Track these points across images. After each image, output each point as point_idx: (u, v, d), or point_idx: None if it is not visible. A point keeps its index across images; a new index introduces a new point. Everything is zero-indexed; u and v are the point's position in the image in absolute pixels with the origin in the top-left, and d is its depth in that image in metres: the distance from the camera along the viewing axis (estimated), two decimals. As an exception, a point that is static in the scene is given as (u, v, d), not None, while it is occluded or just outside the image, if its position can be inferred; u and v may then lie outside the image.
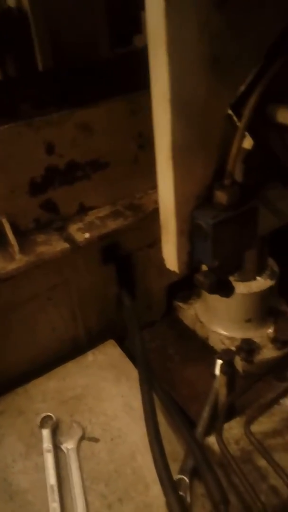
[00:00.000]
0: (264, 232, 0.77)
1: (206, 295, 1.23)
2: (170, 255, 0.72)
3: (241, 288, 1.13)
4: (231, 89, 0.60)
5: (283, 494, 0.76)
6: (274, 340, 1.13)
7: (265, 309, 1.16)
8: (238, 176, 0.68)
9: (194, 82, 0.56)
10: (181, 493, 0.80)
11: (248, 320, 1.16)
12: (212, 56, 0.56)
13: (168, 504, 0.71)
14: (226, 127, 0.64)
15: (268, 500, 0.77)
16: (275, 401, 0.89)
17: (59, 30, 1.29)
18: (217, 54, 0.56)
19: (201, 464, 0.77)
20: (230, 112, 0.63)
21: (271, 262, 1.18)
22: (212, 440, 0.89)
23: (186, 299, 1.33)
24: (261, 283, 1.13)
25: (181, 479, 0.82)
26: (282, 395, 0.91)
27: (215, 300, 1.19)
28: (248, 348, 1.11)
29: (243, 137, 0.63)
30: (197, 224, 0.66)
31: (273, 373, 1.05)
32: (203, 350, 1.23)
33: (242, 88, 0.61)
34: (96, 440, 0.95)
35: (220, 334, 1.19)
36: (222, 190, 0.65)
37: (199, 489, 0.81)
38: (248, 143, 0.68)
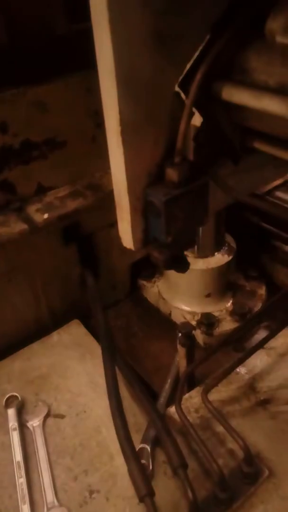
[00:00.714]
0: (217, 209, 0.79)
1: (168, 272, 1.26)
2: (126, 233, 0.74)
3: (200, 264, 1.16)
4: (177, 66, 0.61)
5: (239, 456, 0.80)
6: (233, 313, 1.18)
7: (224, 284, 1.20)
8: (189, 153, 0.70)
9: (139, 59, 0.57)
10: (143, 461, 0.83)
11: (208, 295, 1.19)
12: (156, 33, 0.56)
13: (130, 471, 0.74)
14: (175, 104, 0.65)
15: (225, 462, 0.82)
16: (232, 370, 0.93)
17: (12, 5, 1.24)
18: (161, 31, 0.56)
19: (161, 432, 0.81)
20: (177, 89, 0.64)
21: (228, 238, 1.22)
22: (173, 410, 0.92)
23: (149, 278, 1.35)
24: (219, 259, 1.17)
25: (143, 448, 0.85)
26: (238, 364, 0.95)
27: (176, 277, 1.21)
28: (208, 321, 1.15)
29: (191, 114, 0.64)
30: (150, 201, 0.68)
31: (231, 344, 1.09)
32: (166, 326, 1.26)
33: (189, 65, 0.62)
34: (61, 416, 0.97)
35: (182, 310, 1.22)
36: (172, 167, 0.66)
37: (161, 456, 0.85)
38: (197, 120, 0.69)
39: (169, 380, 1.03)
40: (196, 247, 1.17)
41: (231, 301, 1.21)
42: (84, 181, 1.16)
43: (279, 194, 1.24)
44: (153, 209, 0.68)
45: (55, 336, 1.17)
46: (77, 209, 1.07)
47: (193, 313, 1.20)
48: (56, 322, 1.19)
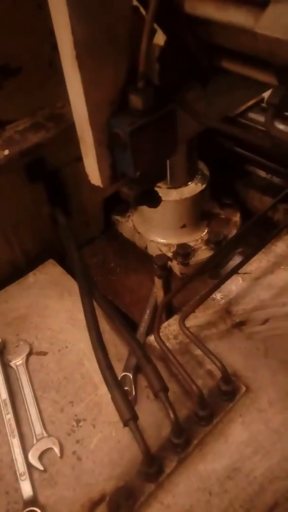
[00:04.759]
0: (186, 137, 0.75)
1: (142, 207, 1.23)
2: (92, 169, 0.69)
3: (173, 195, 1.13)
4: None
5: (217, 376, 0.83)
6: (208, 242, 1.18)
7: (199, 213, 1.19)
8: (154, 76, 0.64)
9: None
10: (126, 388, 0.86)
11: (183, 226, 1.18)
12: None
13: (113, 398, 0.76)
14: (134, 21, 0.59)
15: (205, 383, 0.85)
16: (207, 296, 0.95)
17: None
18: None
19: (141, 360, 0.83)
20: (136, 3, 0.58)
21: (201, 166, 1.19)
22: (152, 338, 0.94)
23: (123, 213, 1.33)
24: (193, 188, 1.14)
25: (125, 376, 0.88)
26: (213, 290, 0.96)
27: (150, 210, 1.18)
28: (183, 252, 1.15)
29: (152, 31, 0.58)
30: (115, 132, 0.63)
31: (207, 273, 1.10)
32: (143, 260, 1.26)
33: None
34: (44, 353, 0.98)
35: (158, 242, 1.21)
36: (136, 93, 0.61)
37: (143, 382, 0.88)
38: (160, 38, 0.63)
39: (147, 311, 1.04)
40: (168, 177, 1.14)
41: (206, 230, 1.21)
42: (45, 112, 1.08)
43: (252, 115, 1.19)
44: (118, 142, 0.64)
45: (31, 277, 1.15)
46: (40, 143, 1.01)
47: (169, 245, 1.19)
48: (30, 263, 1.17)
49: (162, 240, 1.21)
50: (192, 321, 0.95)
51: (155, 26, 0.59)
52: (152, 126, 0.63)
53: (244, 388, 0.83)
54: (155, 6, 0.54)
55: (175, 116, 0.67)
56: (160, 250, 1.20)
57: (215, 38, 0.61)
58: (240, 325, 0.95)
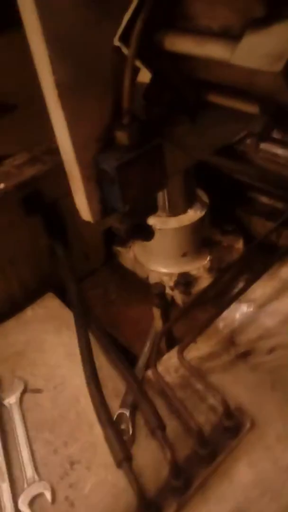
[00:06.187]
0: (178, 170, 0.75)
1: (141, 235, 1.21)
2: (82, 204, 0.70)
3: (172, 223, 1.11)
4: (113, 18, 0.55)
5: (219, 410, 0.77)
6: (210, 270, 1.14)
7: (199, 241, 1.16)
8: (140, 113, 0.64)
9: (68, 14, 0.51)
10: (123, 426, 0.81)
11: (184, 254, 1.15)
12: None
13: (106, 438, 0.71)
14: (117, 60, 0.59)
15: (207, 418, 0.80)
16: (207, 325, 0.90)
17: None
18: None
19: (137, 395, 0.78)
20: (117, 43, 0.58)
21: (200, 192, 1.17)
22: (163, 363, 0.90)
23: (124, 243, 1.30)
24: (192, 215, 1.12)
25: (122, 413, 0.82)
26: (214, 318, 0.91)
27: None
28: (184, 281, 1.11)
29: (134, 68, 0.58)
30: (102, 169, 0.63)
31: (209, 301, 1.06)
32: (145, 291, 1.22)
33: (127, 15, 0.55)
34: (39, 391, 0.94)
35: (159, 272, 1.18)
36: (121, 129, 0.61)
37: (141, 420, 0.82)
38: (145, 76, 0.63)
39: (147, 343, 1.00)
40: (166, 205, 1.12)
41: (208, 258, 1.17)
42: (42, 147, 1.09)
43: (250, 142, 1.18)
44: (106, 177, 0.64)
45: (29, 312, 1.12)
46: (36, 175, 1.01)
47: (170, 275, 1.16)
48: (29, 297, 1.15)
49: (163, 270, 1.18)
50: (194, 353, 0.91)
51: (139, 64, 0.59)
52: (139, 161, 0.63)
53: (249, 424, 0.77)
54: (136, 45, 0.55)
55: (163, 150, 0.66)
56: (161, 280, 1.16)
57: (197, 73, 0.61)
58: (244, 355, 0.89)
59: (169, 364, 0.90)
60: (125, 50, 0.57)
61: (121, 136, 0.61)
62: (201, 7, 0.54)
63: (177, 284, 1.11)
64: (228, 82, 0.58)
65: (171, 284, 1.14)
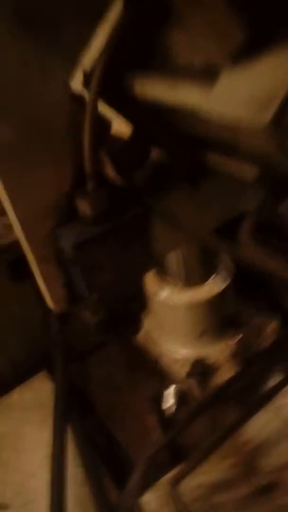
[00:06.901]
0: (174, 248, 0.58)
1: (154, 307, 1.02)
2: (43, 289, 0.55)
3: (186, 296, 0.92)
4: (62, 52, 0.42)
5: None
6: (235, 357, 0.91)
7: (221, 319, 0.95)
8: (114, 177, 0.49)
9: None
10: None
11: (202, 335, 0.94)
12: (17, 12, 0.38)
13: None
14: (78, 111, 0.46)
15: None
16: (220, 441, 0.67)
17: None
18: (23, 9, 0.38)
19: None
20: (78, 87, 0.45)
21: (224, 258, 0.96)
22: (148, 498, 0.68)
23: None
24: (211, 287, 0.92)
25: None
26: (231, 430, 0.69)
27: (162, 313, 0.98)
28: (201, 370, 0.89)
29: (95, 119, 0.44)
30: (59, 247, 0.49)
31: (230, 398, 0.83)
32: (155, 376, 1.02)
33: (89, 51, 0.42)
34: (4, 506, 0.75)
35: (171, 355, 0.97)
36: (83, 198, 0.47)
37: None
38: (122, 129, 0.49)
39: (145, 457, 0.78)
40: (183, 272, 0.93)
41: (233, 341, 0.95)
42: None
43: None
44: (64, 257, 0.49)
45: (15, 395, 0.96)
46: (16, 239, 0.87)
47: (184, 360, 0.94)
48: (19, 375, 0.99)
49: (177, 351, 0.97)
50: (200, 477, 0.68)
51: (112, 114, 0.45)
52: (109, 237, 0.48)
53: None
54: (97, 92, 0.41)
55: (145, 222, 0.50)
56: (173, 365, 0.95)
57: (185, 127, 0.45)
58: (267, 490, 0.65)
59: (159, 497, 0.67)
60: (87, 96, 0.43)
61: (83, 206, 0.47)
62: (179, 36, 0.38)
63: (191, 374, 0.90)
64: (217, 139, 0.41)
65: (186, 370, 0.93)
